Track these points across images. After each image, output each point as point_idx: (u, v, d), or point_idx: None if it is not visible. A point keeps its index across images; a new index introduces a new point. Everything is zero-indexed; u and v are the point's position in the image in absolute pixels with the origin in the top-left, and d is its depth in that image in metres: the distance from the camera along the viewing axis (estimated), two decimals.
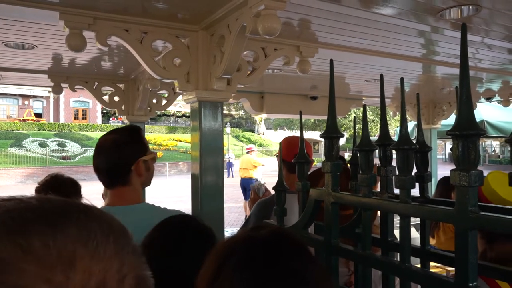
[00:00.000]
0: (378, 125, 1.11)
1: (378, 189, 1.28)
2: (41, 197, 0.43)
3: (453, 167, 0.77)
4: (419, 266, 1.12)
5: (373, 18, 2.07)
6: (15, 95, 34.36)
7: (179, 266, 1.12)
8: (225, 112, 36.27)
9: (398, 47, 2.67)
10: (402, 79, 1.03)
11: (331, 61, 1.13)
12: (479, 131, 0.74)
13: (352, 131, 1.29)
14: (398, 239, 0.98)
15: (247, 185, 11.38)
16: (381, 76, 1.09)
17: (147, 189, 3.17)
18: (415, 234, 3.04)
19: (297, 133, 1.33)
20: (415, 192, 1.16)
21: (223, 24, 1.96)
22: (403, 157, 0.92)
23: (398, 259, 0.96)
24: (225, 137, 27.97)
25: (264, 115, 4.67)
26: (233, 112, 42.91)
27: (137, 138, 1.67)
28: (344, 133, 27.84)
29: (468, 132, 0.74)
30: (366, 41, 2.48)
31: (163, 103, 3.72)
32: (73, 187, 2.49)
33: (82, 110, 37.25)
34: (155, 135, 32.78)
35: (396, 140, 0.97)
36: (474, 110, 0.81)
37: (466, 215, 0.75)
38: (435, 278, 0.85)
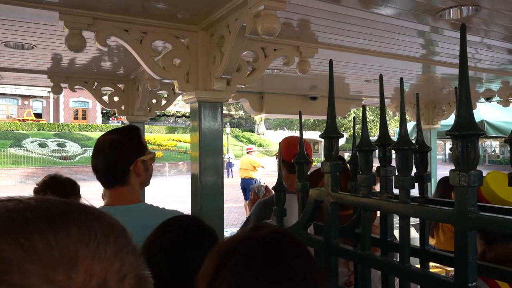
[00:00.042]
0: (378, 125, 1.12)
1: (378, 189, 1.28)
2: (40, 198, 0.43)
3: (453, 167, 0.77)
4: (418, 266, 1.12)
5: (373, 18, 2.07)
6: (14, 95, 34.36)
7: (181, 266, 1.12)
8: (224, 112, 36.23)
9: (398, 47, 2.67)
10: (401, 79, 1.03)
11: (331, 62, 1.13)
12: (478, 131, 0.74)
13: (352, 131, 1.29)
14: (398, 239, 0.98)
15: (247, 185, 11.39)
16: (381, 76, 1.09)
17: (147, 189, 3.17)
18: (414, 234, 3.04)
19: (297, 133, 1.33)
20: (415, 192, 1.16)
21: (223, 25, 1.96)
22: (402, 157, 0.92)
23: (398, 259, 0.96)
24: (224, 137, 27.91)
25: (264, 115, 4.67)
26: (232, 112, 42.91)
27: (135, 138, 1.67)
28: (344, 133, 27.86)
29: (467, 132, 0.74)
30: (366, 41, 2.49)
31: (162, 103, 3.71)
32: (71, 188, 2.49)
33: (82, 110, 37.24)
34: (155, 135, 32.79)
35: (395, 140, 0.97)
36: (474, 110, 0.81)
37: (466, 215, 0.75)
38: (435, 278, 0.85)
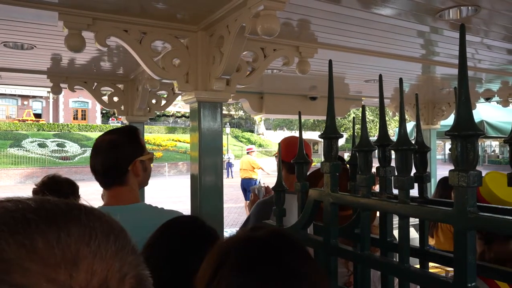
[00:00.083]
0: (378, 126, 1.12)
1: (378, 189, 1.28)
2: (40, 198, 0.43)
3: (453, 167, 0.77)
4: (418, 266, 1.12)
5: (373, 19, 2.07)
6: (14, 95, 34.35)
7: (183, 267, 1.12)
8: (224, 112, 36.30)
9: (398, 48, 2.67)
10: (400, 80, 1.03)
11: (330, 62, 1.13)
12: (477, 132, 0.74)
13: (352, 131, 1.30)
14: (397, 239, 0.98)
15: (247, 185, 11.40)
16: (380, 76, 1.09)
17: (146, 189, 3.17)
18: (414, 234, 3.04)
19: (297, 133, 1.33)
20: (415, 192, 1.16)
21: (222, 25, 1.96)
22: (402, 157, 0.92)
23: (397, 260, 0.96)
24: (224, 137, 27.97)
25: (264, 116, 4.67)
26: (232, 113, 42.92)
27: (134, 139, 1.67)
28: (343, 133, 27.83)
29: (466, 133, 0.74)
30: (366, 41, 2.49)
31: (162, 104, 3.71)
32: (70, 188, 2.49)
33: (82, 111, 37.24)
34: (155, 136, 32.79)
35: (395, 140, 0.97)
36: (473, 111, 0.81)
37: (465, 215, 0.75)
38: (434, 279, 0.85)
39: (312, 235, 1.24)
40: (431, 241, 3.41)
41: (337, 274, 1.14)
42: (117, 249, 0.41)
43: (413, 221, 1.47)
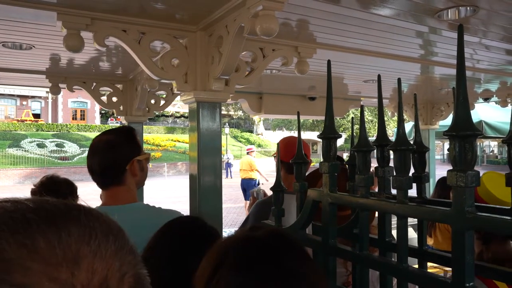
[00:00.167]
0: (377, 126, 1.12)
1: (376, 189, 1.28)
2: (39, 199, 0.43)
3: (451, 167, 0.78)
4: (417, 266, 1.12)
5: (371, 19, 2.07)
6: (13, 95, 34.30)
7: (184, 267, 1.12)
8: (223, 112, 36.31)
9: (396, 48, 2.67)
10: (399, 80, 1.03)
11: (329, 62, 1.13)
12: (475, 132, 0.74)
13: (351, 131, 1.30)
14: (396, 239, 0.98)
15: (247, 185, 11.42)
16: (379, 76, 1.09)
17: (145, 189, 3.17)
18: (413, 234, 3.04)
19: (296, 134, 1.33)
20: (413, 192, 1.16)
21: (221, 25, 1.96)
22: (400, 157, 0.92)
23: (396, 260, 0.96)
24: (223, 137, 27.95)
25: (263, 116, 4.67)
26: (231, 113, 42.92)
27: (131, 139, 1.68)
28: (342, 133, 27.84)
29: (464, 133, 0.74)
30: (364, 41, 2.49)
31: (161, 104, 3.71)
32: (69, 188, 2.49)
33: (81, 111, 37.20)
34: (154, 136, 32.76)
35: (394, 140, 0.97)
36: (472, 111, 0.82)
37: (463, 215, 0.76)
38: (432, 278, 0.85)
39: (310, 235, 1.25)
40: (430, 241, 3.41)
41: (335, 274, 1.15)
42: (116, 249, 0.42)
43: (412, 221, 1.47)
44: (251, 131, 43.90)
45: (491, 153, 40.35)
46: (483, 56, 2.89)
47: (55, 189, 2.37)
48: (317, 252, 1.16)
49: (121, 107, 3.63)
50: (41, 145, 26.61)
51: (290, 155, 1.38)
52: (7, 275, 0.35)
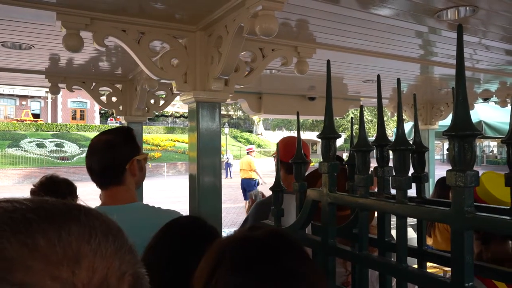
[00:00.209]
0: (376, 126, 1.11)
1: (376, 189, 1.28)
2: (38, 199, 0.44)
3: (451, 167, 0.78)
4: (416, 266, 1.12)
5: (371, 19, 2.07)
6: (12, 95, 34.28)
7: (184, 267, 1.12)
8: (223, 112, 36.27)
9: (396, 48, 2.67)
10: (398, 80, 1.03)
11: (328, 62, 1.13)
12: (475, 132, 0.74)
13: (350, 131, 1.30)
14: (395, 239, 0.98)
15: (247, 185, 11.44)
16: (378, 76, 1.09)
17: (145, 189, 3.16)
18: (412, 234, 3.04)
19: (295, 134, 1.33)
20: (413, 192, 1.16)
21: (221, 25, 1.96)
22: (399, 157, 0.92)
23: (395, 260, 0.96)
24: (223, 137, 27.96)
25: (262, 116, 4.67)
26: (231, 113, 42.92)
27: (130, 138, 1.69)
28: (342, 133, 27.82)
29: (464, 133, 0.74)
30: (364, 41, 2.49)
31: (161, 104, 3.71)
32: (68, 188, 2.49)
33: (80, 111, 37.18)
34: (153, 136, 32.75)
35: (393, 140, 0.97)
36: (472, 111, 0.82)
37: (462, 215, 0.76)
38: (432, 278, 0.85)
39: (310, 235, 1.25)
40: (429, 241, 3.41)
41: (335, 274, 1.15)
42: (116, 248, 0.42)
43: (411, 221, 1.47)
44: (251, 131, 43.90)
45: (491, 153, 40.37)
46: (482, 56, 2.89)
47: (54, 189, 2.37)
48: (316, 252, 1.16)
49: (121, 107, 3.62)
50: (40, 145, 26.60)
51: (289, 155, 1.38)
52: (8, 274, 0.35)
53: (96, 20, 1.90)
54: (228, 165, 23.37)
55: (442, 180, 3.49)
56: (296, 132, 1.30)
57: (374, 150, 1.09)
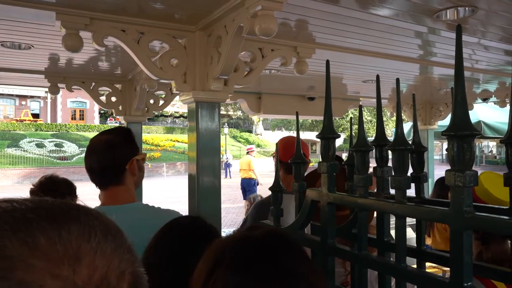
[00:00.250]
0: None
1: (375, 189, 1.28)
2: (38, 199, 0.44)
3: (450, 167, 0.78)
4: (415, 266, 1.12)
5: (370, 19, 2.08)
6: (12, 95, 34.26)
7: (184, 267, 1.13)
8: (222, 112, 36.30)
9: (395, 48, 2.67)
10: (397, 80, 1.03)
11: (327, 62, 1.13)
12: (473, 132, 0.74)
13: (349, 131, 1.30)
14: (394, 239, 0.98)
15: (247, 185, 11.44)
16: (377, 76, 1.09)
17: (144, 189, 3.16)
18: (411, 234, 3.05)
19: (295, 134, 1.33)
20: (412, 192, 1.16)
21: (220, 25, 1.96)
22: (398, 157, 0.92)
23: (394, 259, 0.96)
24: (222, 137, 27.95)
25: (262, 116, 4.67)
26: (230, 113, 42.91)
27: (130, 138, 1.69)
28: (341, 133, 27.82)
29: (463, 133, 0.74)
30: (363, 42, 2.49)
31: (160, 104, 3.71)
32: (68, 188, 2.49)
33: (80, 111, 37.16)
34: (153, 136, 32.74)
35: (392, 140, 0.98)
36: (471, 111, 0.82)
37: (461, 215, 0.76)
38: (430, 278, 0.85)
39: (309, 235, 1.25)
40: (428, 241, 3.42)
41: (334, 274, 1.15)
42: (115, 247, 0.43)
43: (410, 221, 1.47)
44: (250, 131, 43.90)
45: (490, 153, 40.40)
46: (481, 56, 2.90)
47: (54, 189, 2.37)
48: (315, 252, 1.16)
49: (120, 107, 3.62)
50: (40, 145, 26.58)
51: (289, 155, 1.39)
52: (9, 273, 0.35)
53: (95, 20, 1.90)
54: (228, 165, 23.37)
55: (441, 180, 3.50)
56: (295, 132, 1.30)
57: (373, 150, 1.09)
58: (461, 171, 0.74)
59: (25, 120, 31.98)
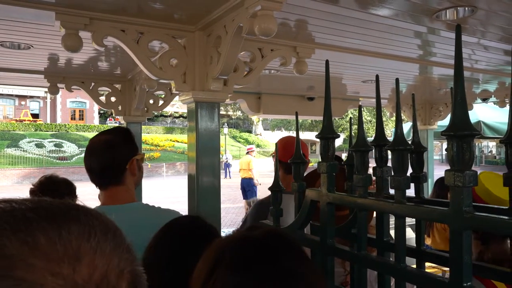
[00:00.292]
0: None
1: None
2: (37, 199, 0.44)
3: (449, 167, 0.78)
4: (415, 266, 1.12)
5: (370, 19, 2.08)
6: (11, 95, 34.24)
7: (184, 267, 1.13)
8: (222, 112, 36.25)
9: (395, 48, 2.68)
10: (397, 80, 1.03)
11: (327, 62, 1.13)
12: (473, 132, 0.74)
13: (349, 131, 1.30)
14: (394, 239, 0.98)
15: (247, 185, 11.44)
16: (377, 76, 1.09)
17: (144, 189, 3.16)
18: (411, 234, 3.05)
19: (294, 134, 1.33)
20: (411, 192, 1.16)
21: (220, 25, 1.96)
22: (398, 157, 0.92)
23: (394, 259, 0.96)
24: (222, 137, 27.95)
25: (261, 116, 4.67)
26: (230, 113, 42.91)
27: (129, 138, 1.69)
28: (341, 133, 27.81)
29: (462, 133, 0.74)
30: (363, 42, 2.49)
31: (160, 104, 3.71)
32: (67, 188, 2.49)
33: (79, 111, 37.15)
34: (152, 136, 32.73)
35: (392, 140, 0.98)
36: (471, 111, 0.82)
37: (461, 215, 0.76)
38: (430, 278, 0.85)
39: (309, 235, 1.25)
40: (428, 241, 3.41)
41: (333, 274, 1.15)
42: (114, 246, 0.43)
43: (410, 221, 1.47)
44: (250, 131, 43.91)
45: (490, 154, 40.42)
46: (481, 56, 2.90)
47: (54, 189, 2.37)
48: (315, 252, 1.16)
49: (120, 107, 3.62)
50: (39, 145, 26.57)
51: (288, 155, 1.39)
52: (9, 272, 0.35)
53: (95, 20, 1.90)
54: (227, 165, 23.37)
55: (440, 180, 3.50)
56: (295, 132, 1.30)
57: (373, 150, 1.09)
58: (461, 171, 0.74)
59: (24, 120, 31.97)
